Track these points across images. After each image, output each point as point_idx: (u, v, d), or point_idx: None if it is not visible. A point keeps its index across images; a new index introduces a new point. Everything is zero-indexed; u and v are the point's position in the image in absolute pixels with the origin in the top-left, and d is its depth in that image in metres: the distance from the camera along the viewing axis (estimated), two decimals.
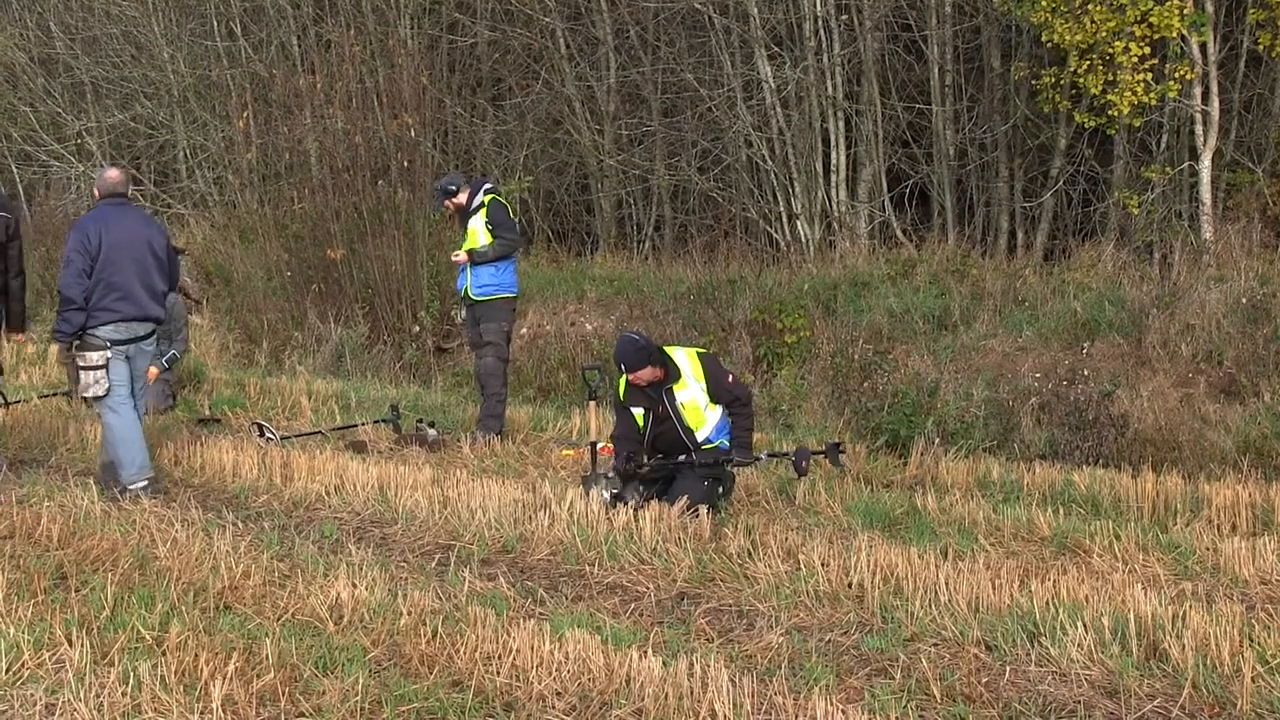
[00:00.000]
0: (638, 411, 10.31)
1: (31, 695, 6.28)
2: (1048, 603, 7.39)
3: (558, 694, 6.35)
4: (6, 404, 14.48)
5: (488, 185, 13.69)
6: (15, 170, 29.78)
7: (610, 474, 10.21)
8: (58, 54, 30.30)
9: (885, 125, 22.03)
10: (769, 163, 22.13)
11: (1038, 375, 14.42)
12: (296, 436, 13.44)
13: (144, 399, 11.51)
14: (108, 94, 29.87)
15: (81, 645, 6.71)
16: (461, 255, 13.46)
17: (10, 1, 31.17)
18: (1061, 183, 20.80)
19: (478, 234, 13.37)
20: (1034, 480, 11.33)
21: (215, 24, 28.11)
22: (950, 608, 7.49)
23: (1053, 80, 19.28)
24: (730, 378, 10.39)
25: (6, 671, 6.53)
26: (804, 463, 10.27)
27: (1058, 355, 15.26)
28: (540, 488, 10.39)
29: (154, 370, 14.30)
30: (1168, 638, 6.78)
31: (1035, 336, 15.87)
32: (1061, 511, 9.98)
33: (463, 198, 13.57)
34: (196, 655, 6.60)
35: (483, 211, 13.41)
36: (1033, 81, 20.12)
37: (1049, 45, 18.49)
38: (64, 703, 6.16)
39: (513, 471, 12.03)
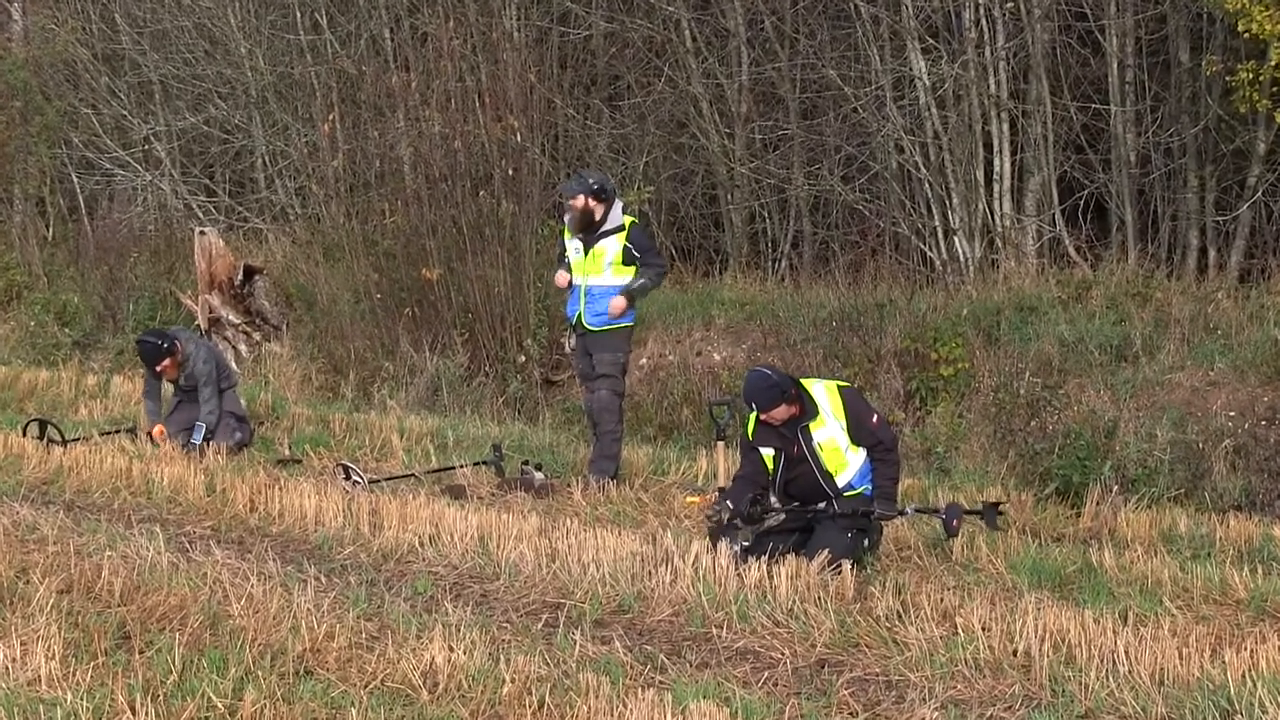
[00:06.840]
0: (767, 452, 10.32)
1: None
2: (1244, 675, 7.31)
3: None
4: (65, 442, 14.72)
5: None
6: (75, 180, 30.07)
7: (739, 523, 10.21)
8: (124, 50, 30.56)
9: (1056, 128, 21.84)
10: (923, 171, 22.03)
11: (1232, 414, 14.27)
12: (387, 480, 13.54)
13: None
14: (178, 94, 30.16)
15: (146, 714, 6.82)
16: (621, 302, 13.32)
17: None
18: (1260, 193, 20.51)
19: (610, 256, 13.34)
20: (1228, 534, 11.21)
21: (298, 16, 28.25)
22: (1131, 680, 7.44)
23: (1250, 76, 19.03)
24: (875, 417, 10.37)
25: None
26: (955, 521, 10.22)
27: (1256, 391, 15.08)
28: (661, 539, 10.41)
29: (160, 428, 14.97)
30: None
31: (1229, 369, 15.68)
32: (1260, 570, 9.88)
33: (598, 208, 13.40)
34: None
35: (622, 235, 13.37)
36: (1227, 78, 19.85)
37: (1246, 36, 18.28)
38: None
39: (630, 521, 12.06)
